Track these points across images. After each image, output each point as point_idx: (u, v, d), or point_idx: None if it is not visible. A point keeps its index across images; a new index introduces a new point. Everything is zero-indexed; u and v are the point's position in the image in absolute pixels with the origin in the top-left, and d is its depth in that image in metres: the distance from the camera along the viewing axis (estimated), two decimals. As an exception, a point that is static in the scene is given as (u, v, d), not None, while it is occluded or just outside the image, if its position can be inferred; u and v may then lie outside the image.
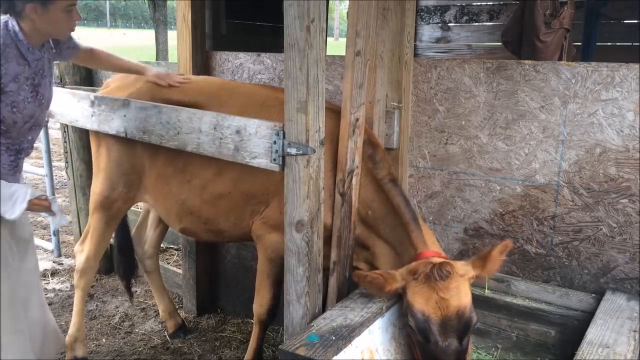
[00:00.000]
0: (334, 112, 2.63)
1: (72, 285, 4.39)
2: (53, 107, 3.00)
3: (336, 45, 28.91)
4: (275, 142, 2.38)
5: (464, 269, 2.32)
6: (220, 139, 2.62)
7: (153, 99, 3.01)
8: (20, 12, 2.39)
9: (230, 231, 3.05)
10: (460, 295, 2.23)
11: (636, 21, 6.13)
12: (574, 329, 2.58)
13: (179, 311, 4.13)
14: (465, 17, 7.30)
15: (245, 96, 3.00)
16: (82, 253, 3.52)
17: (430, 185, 3.15)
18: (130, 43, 29.87)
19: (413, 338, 2.33)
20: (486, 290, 2.81)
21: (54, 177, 4.67)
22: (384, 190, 2.67)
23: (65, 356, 3.53)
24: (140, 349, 3.75)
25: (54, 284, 4.64)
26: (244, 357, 3.23)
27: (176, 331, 3.89)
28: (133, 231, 3.89)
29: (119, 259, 3.83)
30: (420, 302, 2.24)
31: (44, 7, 2.39)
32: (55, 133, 8.11)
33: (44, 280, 4.67)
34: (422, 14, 7.49)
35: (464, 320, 2.21)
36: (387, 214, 2.66)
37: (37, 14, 2.39)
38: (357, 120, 2.59)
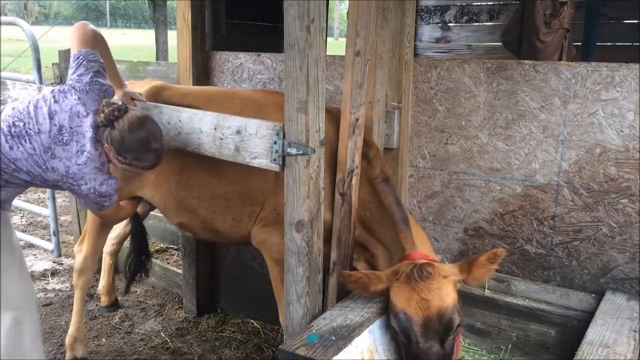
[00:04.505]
0: (331, 115, 2.62)
1: (72, 286, 4.40)
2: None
3: (336, 45, 28.90)
4: (275, 142, 2.38)
5: (449, 271, 2.30)
6: (221, 139, 2.61)
7: (156, 102, 3.02)
8: (101, 135, 2.57)
9: (228, 233, 3.04)
10: (442, 296, 2.22)
11: (636, 21, 6.13)
12: (574, 329, 2.58)
13: (178, 310, 4.17)
14: (465, 17, 7.30)
15: (243, 99, 3.01)
16: (80, 253, 3.58)
17: (430, 185, 3.15)
18: (130, 43, 29.85)
19: (397, 340, 2.32)
20: (486, 290, 2.81)
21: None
22: (377, 190, 2.68)
23: (65, 356, 3.53)
24: (140, 349, 3.75)
25: (54, 284, 4.63)
26: (243, 357, 3.23)
27: (108, 306, 4.24)
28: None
29: (133, 258, 3.88)
30: (402, 302, 2.24)
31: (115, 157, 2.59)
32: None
33: (44, 280, 4.68)
34: (422, 14, 7.49)
35: (444, 321, 2.19)
36: (381, 215, 2.66)
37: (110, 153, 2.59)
38: (357, 120, 2.59)
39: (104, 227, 3.49)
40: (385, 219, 2.63)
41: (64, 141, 2.53)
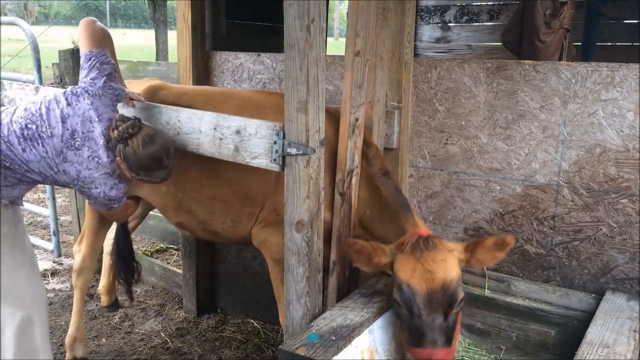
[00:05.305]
0: (330, 115, 2.62)
1: (71, 286, 4.40)
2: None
3: (336, 45, 28.91)
4: (275, 142, 2.38)
5: (453, 246, 2.29)
6: (220, 139, 2.61)
7: (152, 102, 3.01)
8: (114, 148, 2.59)
9: (226, 234, 3.04)
10: (446, 268, 2.20)
11: (636, 21, 6.13)
12: (574, 329, 2.58)
13: (178, 310, 4.17)
14: (465, 17, 7.30)
15: (241, 99, 3.01)
16: (79, 253, 3.57)
17: (430, 185, 3.15)
18: (130, 43, 29.85)
19: (399, 314, 2.27)
20: (486, 290, 2.81)
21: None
22: (377, 184, 2.67)
23: (65, 356, 3.53)
24: (140, 349, 3.75)
25: (54, 284, 4.64)
26: (243, 357, 3.22)
27: (108, 306, 4.25)
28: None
29: (119, 264, 3.73)
30: (406, 273, 2.21)
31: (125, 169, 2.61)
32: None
33: (44, 280, 4.68)
34: (422, 14, 7.49)
35: (449, 293, 2.17)
36: (381, 209, 2.66)
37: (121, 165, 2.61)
38: (356, 120, 2.59)
39: (102, 227, 3.49)
40: (385, 212, 2.62)
41: (76, 146, 2.55)
